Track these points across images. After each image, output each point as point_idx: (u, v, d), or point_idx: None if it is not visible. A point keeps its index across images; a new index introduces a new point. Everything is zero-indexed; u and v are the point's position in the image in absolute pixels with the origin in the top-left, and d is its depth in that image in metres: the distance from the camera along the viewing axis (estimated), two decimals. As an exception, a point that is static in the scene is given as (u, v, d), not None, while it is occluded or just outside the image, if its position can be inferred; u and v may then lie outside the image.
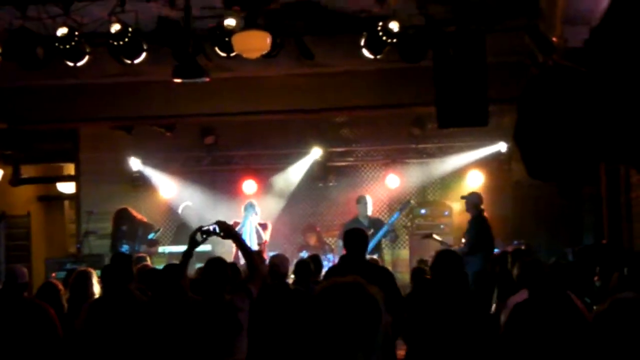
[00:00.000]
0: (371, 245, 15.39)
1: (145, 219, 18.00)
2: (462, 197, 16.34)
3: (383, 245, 16.70)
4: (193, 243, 8.70)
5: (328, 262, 14.97)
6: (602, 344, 4.36)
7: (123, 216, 17.81)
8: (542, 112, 8.75)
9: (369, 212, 16.64)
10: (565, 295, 7.61)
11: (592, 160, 9.25)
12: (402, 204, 17.21)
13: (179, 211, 18.13)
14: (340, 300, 3.38)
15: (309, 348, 3.39)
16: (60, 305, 9.79)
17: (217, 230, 8.64)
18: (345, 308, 3.35)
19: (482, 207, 15.83)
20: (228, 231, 8.81)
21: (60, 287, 10.32)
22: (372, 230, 15.70)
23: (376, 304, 3.40)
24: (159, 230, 17.97)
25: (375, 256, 14.21)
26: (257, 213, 16.47)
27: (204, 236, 8.59)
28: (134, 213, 17.87)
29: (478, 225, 15.56)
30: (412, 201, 17.95)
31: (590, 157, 9.08)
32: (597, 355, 4.43)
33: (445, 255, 8.43)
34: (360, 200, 16.75)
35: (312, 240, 17.33)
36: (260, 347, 9.10)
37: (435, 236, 16.51)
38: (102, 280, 9.72)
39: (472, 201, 15.88)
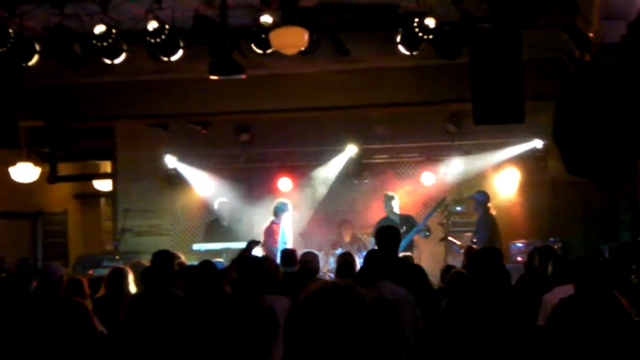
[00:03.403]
0: (404, 243, 15.40)
1: None
2: (469, 197, 16.40)
3: (417, 243, 16.60)
4: None
5: (361, 258, 14.96)
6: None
7: None
8: (580, 108, 8.71)
9: (397, 209, 16.60)
10: (611, 293, 7.55)
11: (630, 157, 9.20)
12: (437, 202, 17.14)
13: (215, 206, 18.10)
14: (332, 303, 3.24)
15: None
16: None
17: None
18: (336, 312, 3.21)
19: (489, 205, 15.94)
20: None
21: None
22: (404, 228, 15.69)
23: (368, 308, 3.27)
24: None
25: (408, 253, 14.21)
26: (289, 211, 16.56)
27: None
28: None
29: (487, 223, 15.66)
30: (446, 199, 17.89)
31: (629, 153, 9.03)
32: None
33: (486, 253, 8.39)
34: (384, 198, 16.75)
35: (348, 236, 17.29)
36: (294, 347, 9.11)
37: (450, 238, 16.54)
38: (144, 277, 9.77)
39: (479, 200, 15.98)
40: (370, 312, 3.19)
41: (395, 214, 16.46)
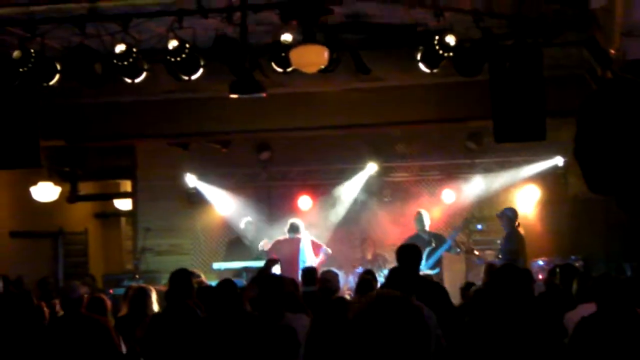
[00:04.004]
0: (433, 260, 15.38)
1: None
2: (500, 214, 16.33)
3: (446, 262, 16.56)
4: None
5: (382, 276, 14.93)
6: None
7: None
8: (602, 125, 8.66)
9: (427, 227, 16.58)
10: (634, 311, 7.48)
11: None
12: (463, 220, 17.14)
13: (241, 226, 18.07)
14: (387, 314, 3.20)
15: None
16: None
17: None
18: (393, 323, 3.18)
19: (517, 222, 15.87)
20: None
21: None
22: (433, 245, 15.67)
23: (423, 318, 3.21)
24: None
25: (437, 271, 14.21)
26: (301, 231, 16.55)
27: None
28: None
29: (512, 240, 15.59)
30: (473, 216, 17.85)
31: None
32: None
33: (505, 270, 8.28)
34: (417, 216, 16.72)
35: (370, 253, 17.27)
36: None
37: (476, 252, 16.53)
38: (166, 297, 9.75)
39: (507, 216, 15.91)
40: (427, 324, 3.15)
41: (425, 231, 16.45)
